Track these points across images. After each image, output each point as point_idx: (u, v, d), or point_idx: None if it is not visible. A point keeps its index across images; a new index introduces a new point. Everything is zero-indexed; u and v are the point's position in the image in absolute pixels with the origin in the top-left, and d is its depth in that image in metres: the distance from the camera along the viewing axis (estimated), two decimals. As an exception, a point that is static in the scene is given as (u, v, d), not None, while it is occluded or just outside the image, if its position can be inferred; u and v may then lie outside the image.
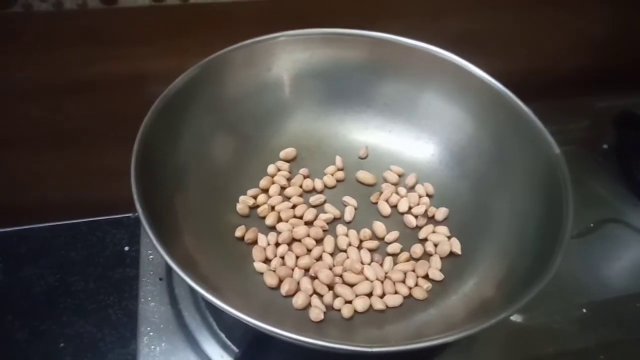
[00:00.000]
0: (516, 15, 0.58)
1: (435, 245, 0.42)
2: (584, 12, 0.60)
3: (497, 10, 0.56)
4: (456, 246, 0.42)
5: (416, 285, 0.40)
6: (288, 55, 0.45)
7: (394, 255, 0.42)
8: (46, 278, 0.53)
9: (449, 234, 0.43)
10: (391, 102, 0.47)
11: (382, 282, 0.40)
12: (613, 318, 0.44)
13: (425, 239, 0.43)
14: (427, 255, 0.42)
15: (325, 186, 0.46)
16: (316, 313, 0.37)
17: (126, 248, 0.57)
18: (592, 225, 0.50)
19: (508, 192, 0.41)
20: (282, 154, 0.47)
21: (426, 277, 0.40)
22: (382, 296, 0.39)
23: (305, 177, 0.46)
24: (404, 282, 0.40)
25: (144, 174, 0.34)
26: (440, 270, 0.40)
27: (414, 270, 0.41)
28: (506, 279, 0.37)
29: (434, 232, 0.43)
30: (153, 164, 0.36)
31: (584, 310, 0.44)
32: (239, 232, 0.41)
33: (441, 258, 0.41)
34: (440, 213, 0.44)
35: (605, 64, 0.64)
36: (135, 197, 0.32)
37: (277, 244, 0.41)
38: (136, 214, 0.58)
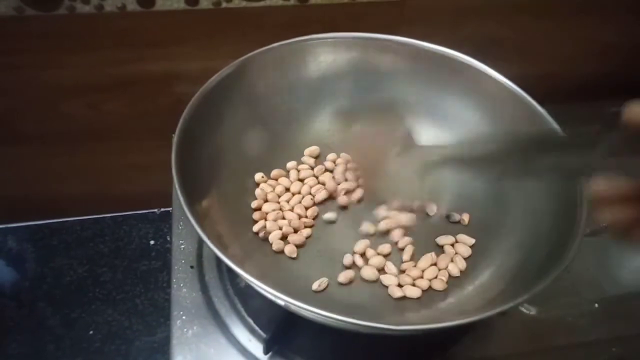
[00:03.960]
0: (533, 22, 0.59)
1: (452, 244, 0.44)
2: (599, 21, 0.62)
3: (515, 18, 0.58)
4: (467, 249, 0.43)
5: (435, 277, 0.42)
6: (314, 58, 0.47)
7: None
8: (76, 269, 0.56)
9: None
10: (411, 102, 0.49)
11: (402, 272, 0.42)
12: (624, 313, 0.45)
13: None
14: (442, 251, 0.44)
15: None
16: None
17: (152, 242, 0.59)
18: (604, 224, 0.52)
19: (524, 189, 0.42)
20: (307, 151, 0.49)
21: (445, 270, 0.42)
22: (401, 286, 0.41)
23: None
24: (422, 277, 0.42)
25: (182, 164, 0.36)
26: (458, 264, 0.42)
27: (435, 264, 0.42)
28: (520, 271, 0.38)
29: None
30: (190, 155, 0.38)
31: (596, 305, 0.46)
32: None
33: (457, 253, 0.43)
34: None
35: (618, 70, 0.66)
36: (176, 184, 0.34)
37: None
38: (161, 210, 0.62)
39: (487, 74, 0.46)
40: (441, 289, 0.41)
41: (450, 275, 0.42)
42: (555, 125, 0.42)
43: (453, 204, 0.46)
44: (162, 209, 0.61)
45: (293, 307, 0.31)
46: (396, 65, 0.48)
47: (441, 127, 0.49)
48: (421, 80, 0.48)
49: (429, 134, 0.49)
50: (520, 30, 0.60)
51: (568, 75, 0.65)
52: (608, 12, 0.61)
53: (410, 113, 0.49)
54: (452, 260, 0.42)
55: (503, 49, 0.59)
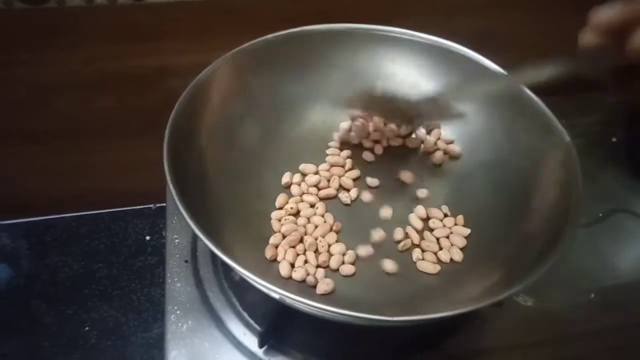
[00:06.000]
0: (529, 13, 0.59)
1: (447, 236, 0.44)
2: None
3: (510, 9, 0.58)
4: (462, 239, 0.43)
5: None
6: (307, 49, 0.47)
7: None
8: (71, 265, 0.56)
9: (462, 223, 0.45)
10: (405, 94, 0.49)
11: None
12: (620, 303, 0.45)
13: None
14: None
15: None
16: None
17: (147, 237, 0.59)
18: (600, 215, 0.52)
19: (520, 180, 0.42)
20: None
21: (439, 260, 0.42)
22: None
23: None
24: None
25: (174, 158, 0.36)
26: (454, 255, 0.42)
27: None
28: (516, 261, 0.38)
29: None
30: (182, 149, 0.38)
31: (592, 295, 0.46)
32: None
33: (452, 244, 0.43)
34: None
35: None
36: (168, 178, 0.34)
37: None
38: (157, 205, 0.61)
39: (480, 62, 0.45)
40: (434, 272, 0.41)
41: (451, 259, 0.42)
42: (549, 112, 0.41)
43: (448, 198, 0.46)
44: (158, 204, 0.61)
45: (288, 301, 0.31)
46: (390, 56, 0.48)
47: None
48: (415, 71, 0.48)
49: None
50: (514, 22, 0.59)
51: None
52: (602, 4, 0.61)
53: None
54: (448, 251, 0.42)
55: (496, 40, 0.58)
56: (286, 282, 0.39)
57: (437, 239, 0.43)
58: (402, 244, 0.42)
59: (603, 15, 0.25)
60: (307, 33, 0.46)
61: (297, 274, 0.39)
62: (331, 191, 0.46)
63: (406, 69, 0.48)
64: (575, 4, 0.59)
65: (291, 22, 0.46)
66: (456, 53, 0.46)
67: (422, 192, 0.46)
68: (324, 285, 0.39)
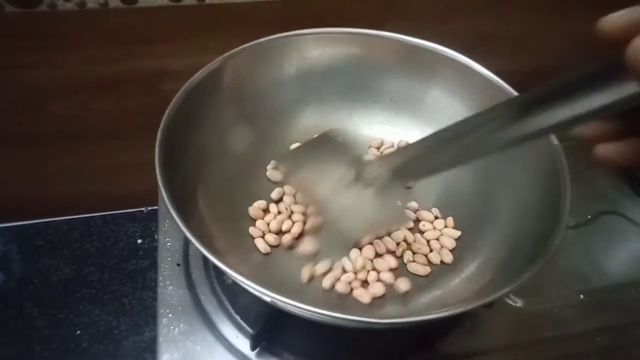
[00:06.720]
0: (524, 16, 0.59)
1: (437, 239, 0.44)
2: (592, 13, 0.61)
3: (504, 12, 0.58)
4: (452, 241, 0.44)
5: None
6: (300, 53, 0.47)
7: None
8: (63, 269, 0.55)
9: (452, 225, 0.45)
10: (397, 98, 0.49)
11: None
12: (609, 304, 0.46)
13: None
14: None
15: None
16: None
17: (139, 241, 0.59)
18: (589, 216, 0.52)
19: (509, 183, 0.43)
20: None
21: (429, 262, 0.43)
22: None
23: None
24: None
25: (166, 161, 0.36)
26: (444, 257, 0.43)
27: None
28: (506, 263, 0.38)
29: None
30: (174, 152, 0.38)
31: (582, 297, 0.46)
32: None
33: (442, 246, 0.44)
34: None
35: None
36: (159, 181, 0.34)
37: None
38: (148, 208, 0.61)
39: (473, 68, 0.46)
40: (424, 274, 0.41)
41: (441, 261, 0.43)
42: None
43: (439, 200, 0.46)
44: (150, 208, 0.61)
45: (279, 304, 0.31)
46: (382, 60, 0.48)
47: (427, 123, 0.49)
48: (407, 75, 0.48)
49: (415, 129, 0.49)
50: (511, 25, 0.60)
51: (560, 69, 0.65)
52: (601, 4, 0.61)
53: (395, 107, 0.49)
54: (438, 253, 0.43)
55: (494, 43, 0.59)
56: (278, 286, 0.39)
57: (428, 241, 0.44)
58: (400, 250, 0.43)
59: (608, 22, 0.20)
60: (300, 37, 0.46)
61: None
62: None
63: (399, 74, 0.48)
64: (573, 3, 0.60)
65: (283, 26, 0.46)
66: (449, 58, 0.46)
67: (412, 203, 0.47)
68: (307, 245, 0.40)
